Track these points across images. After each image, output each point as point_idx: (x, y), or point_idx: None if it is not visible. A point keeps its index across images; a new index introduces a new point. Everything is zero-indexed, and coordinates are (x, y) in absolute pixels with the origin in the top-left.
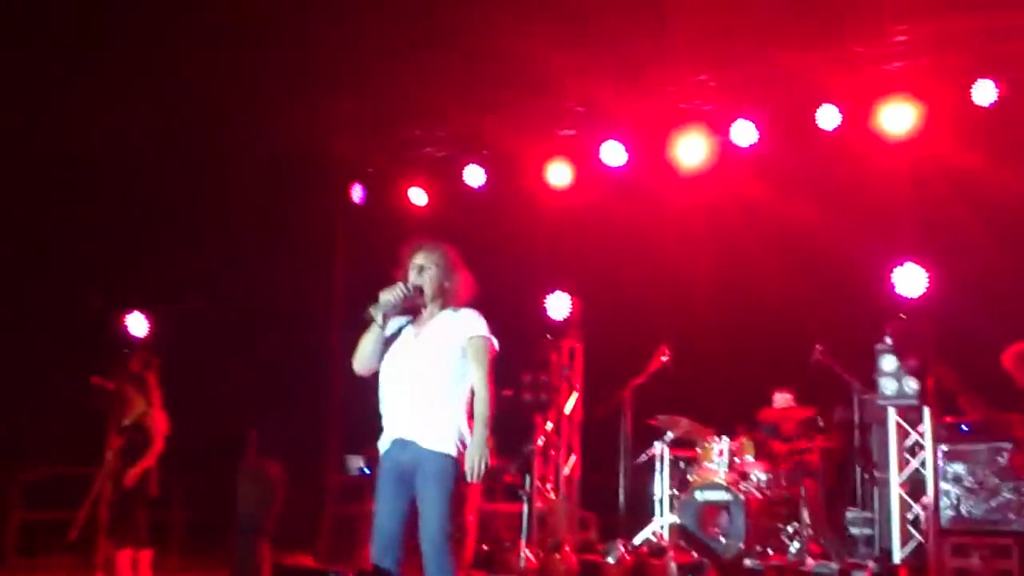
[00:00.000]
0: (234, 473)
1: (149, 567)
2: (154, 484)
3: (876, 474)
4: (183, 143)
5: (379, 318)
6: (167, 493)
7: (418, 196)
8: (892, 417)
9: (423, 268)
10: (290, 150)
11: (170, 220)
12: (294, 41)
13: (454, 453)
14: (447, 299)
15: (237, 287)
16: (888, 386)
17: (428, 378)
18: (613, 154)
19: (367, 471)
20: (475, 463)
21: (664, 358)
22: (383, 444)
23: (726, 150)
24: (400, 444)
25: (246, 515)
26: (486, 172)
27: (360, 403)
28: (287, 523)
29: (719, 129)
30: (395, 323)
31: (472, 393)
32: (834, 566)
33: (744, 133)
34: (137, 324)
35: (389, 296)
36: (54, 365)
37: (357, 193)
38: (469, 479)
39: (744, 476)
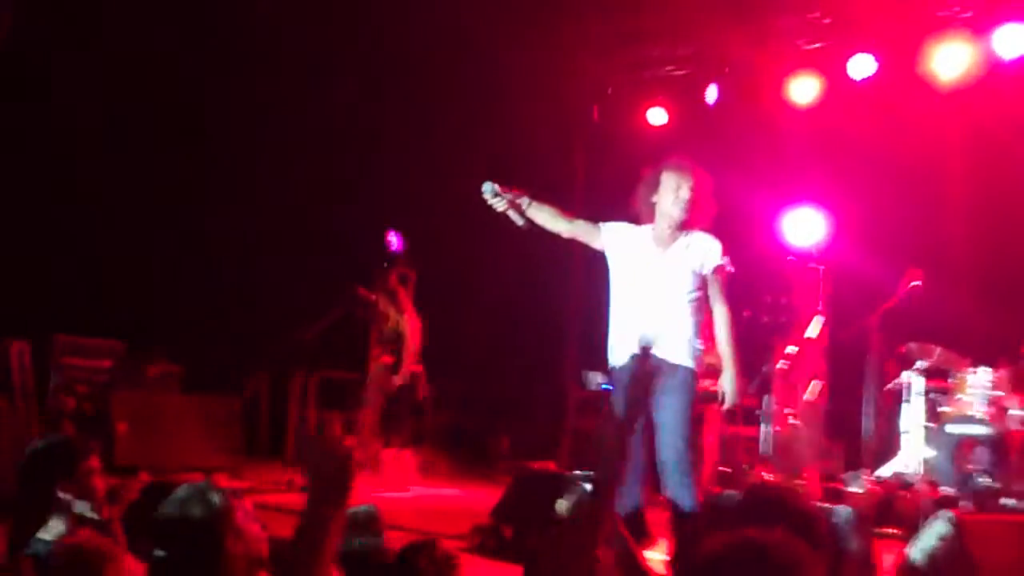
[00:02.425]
0: None
1: (414, 467)
2: (421, 387)
3: None
4: (427, 66)
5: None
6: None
7: (657, 116)
8: None
9: (672, 188)
10: (532, 71)
11: (419, 143)
12: None
13: (692, 365)
14: (683, 223)
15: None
16: None
17: (665, 298)
18: (862, 67)
19: (607, 386)
20: (730, 389)
21: (916, 282)
22: (620, 359)
23: (988, 61)
24: (639, 358)
25: None
26: (727, 90)
27: (600, 320)
28: (530, 435)
29: (981, 38)
30: (634, 236)
31: (709, 314)
32: None
33: (1008, 42)
34: (396, 242)
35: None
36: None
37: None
38: (724, 405)
39: (1003, 410)
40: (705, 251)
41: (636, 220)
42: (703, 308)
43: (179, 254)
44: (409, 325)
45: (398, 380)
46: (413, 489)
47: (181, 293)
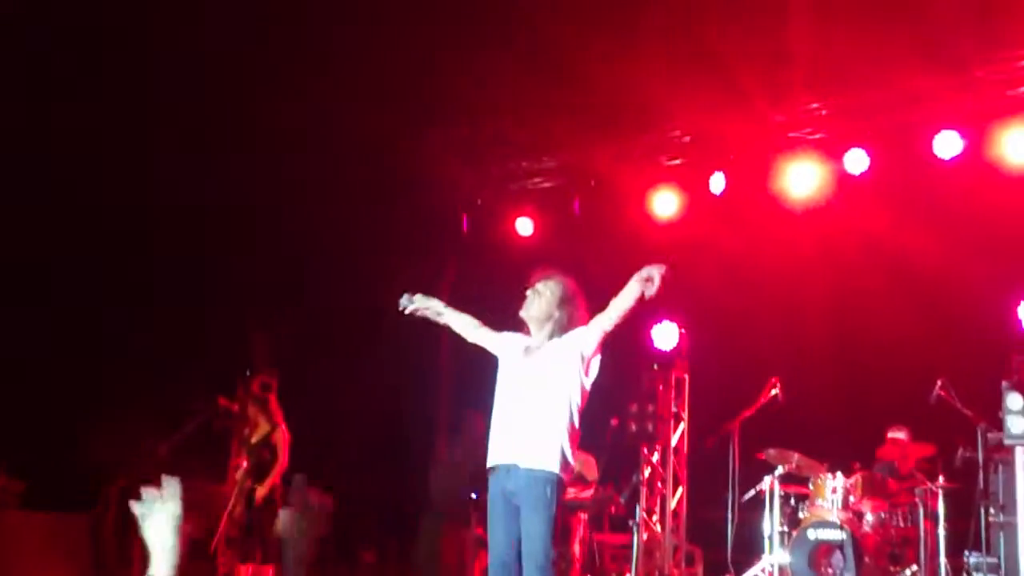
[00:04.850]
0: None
1: None
2: (279, 500)
3: (1002, 517)
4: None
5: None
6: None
7: (525, 226)
8: (1020, 457)
9: (539, 293)
10: (400, 179)
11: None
12: (405, 71)
13: (555, 470)
14: (555, 327)
15: (346, 313)
16: (1015, 424)
17: (532, 405)
18: (721, 184)
19: (474, 496)
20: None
21: (775, 391)
22: (489, 464)
23: (838, 179)
24: (504, 468)
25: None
26: (593, 202)
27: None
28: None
29: (831, 158)
30: (513, 344)
31: (573, 422)
32: None
33: (858, 162)
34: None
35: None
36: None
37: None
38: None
39: (859, 515)
40: (578, 335)
41: (519, 329)
42: (576, 415)
43: (24, 360)
44: (282, 438)
45: (262, 491)
46: None
47: (25, 404)
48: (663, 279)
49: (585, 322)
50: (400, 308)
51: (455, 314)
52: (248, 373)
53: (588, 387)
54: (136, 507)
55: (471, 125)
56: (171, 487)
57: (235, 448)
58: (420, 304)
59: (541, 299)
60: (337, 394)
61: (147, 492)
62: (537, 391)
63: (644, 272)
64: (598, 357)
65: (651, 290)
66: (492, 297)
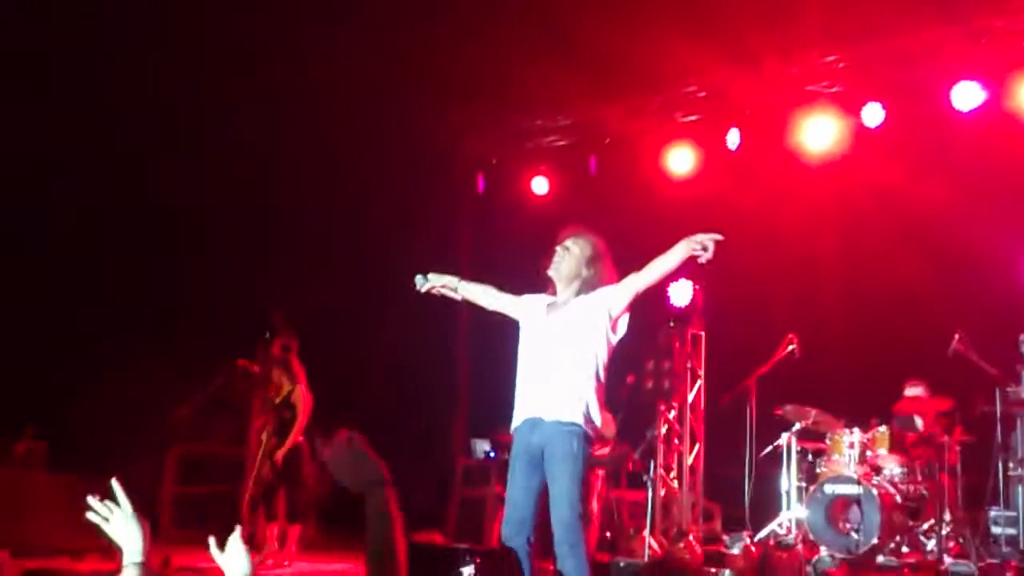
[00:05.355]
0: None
1: (296, 541)
2: (306, 461)
3: (1020, 471)
4: (315, 139)
5: (421, 287)
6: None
7: (540, 185)
8: None
9: (568, 250)
10: (417, 144)
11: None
12: (422, 44)
13: (581, 423)
14: (583, 286)
15: (366, 276)
16: None
17: (558, 360)
18: (736, 140)
19: (492, 454)
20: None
21: (791, 347)
22: (514, 422)
23: (855, 133)
24: (530, 423)
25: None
26: (608, 160)
27: (486, 389)
28: (416, 504)
29: (848, 112)
30: (536, 304)
31: (599, 378)
32: (973, 565)
33: (874, 115)
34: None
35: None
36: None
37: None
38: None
39: (877, 470)
40: (607, 293)
41: (539, 289)
42: (602, 371)
43: (48, 329)
44: (303, 397)
45: (281, 452)
46: (294, 565)
47: (52, 369)
48: (716, 246)
49: (613, 280)
50: (416, 288)
51: (471, 285)
52: (268, 336)
53: (615, 343)
54: (90, 516)
55: (484, 88)
56: (114, 488)
57: (257, 410)
58: (434, 282)
59: (570, 256)
60: (353, 360)
61: (94, 502)
62: (562, 346)
63: (697, 238)
64: (627, 315)
65: (704, 257)
66: (510, 256)
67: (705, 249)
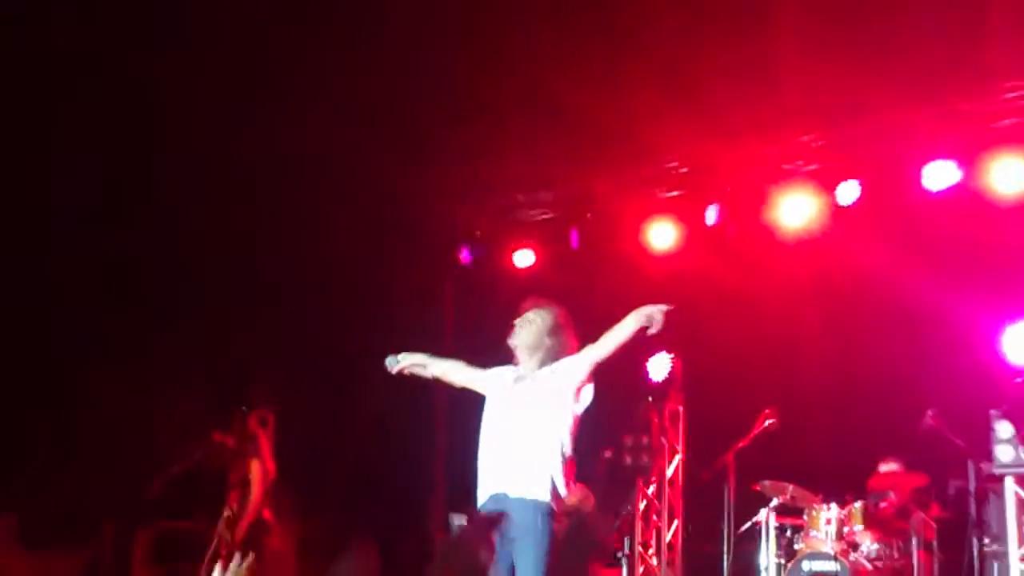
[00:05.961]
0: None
1: None
2: (273, 536)
3: (994, 547)
4: (297, 207)
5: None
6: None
7: (523, 258)
8: (1010, 487)
9: (529, 321)
10: (399, 213)
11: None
12: (404, 112)
13: (548, 499)
14: (546, 356)
15: (346, 347)
16: (1004, 454)
17: (522, 433)
18: (715, 216)
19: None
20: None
21: (769, 422)
22: (480, 499)
23: (831, 211)
24: (494, 499)
25: None
26: (590, 234)
27: (464, 462)
28: None
29: (824, 189)
30: (501, 376)
31: (565, 450)
32: None
33: (849, 193)
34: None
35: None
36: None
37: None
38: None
39: (854, 546)
40: (568, 363)
41: (511, 362)
42: (568, 443)
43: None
44: (257, 472)
45: (240, 531)
46: None
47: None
48: (666, 317)
49: (575, 351)
50: (388, 369)
51: (440, 362)
52: (244, 409)
53: (579, 413)
54: None
55: (469, 160)
56: None
57: (230, 484)
58: (404, 362)
59: (531, 327)
60: (330, 433)
61: None
62: (526, 419)
63: (645, 310)
64: (590, 385)
65: (654, 329)
66: (492, 329)
67: (652, 320)
